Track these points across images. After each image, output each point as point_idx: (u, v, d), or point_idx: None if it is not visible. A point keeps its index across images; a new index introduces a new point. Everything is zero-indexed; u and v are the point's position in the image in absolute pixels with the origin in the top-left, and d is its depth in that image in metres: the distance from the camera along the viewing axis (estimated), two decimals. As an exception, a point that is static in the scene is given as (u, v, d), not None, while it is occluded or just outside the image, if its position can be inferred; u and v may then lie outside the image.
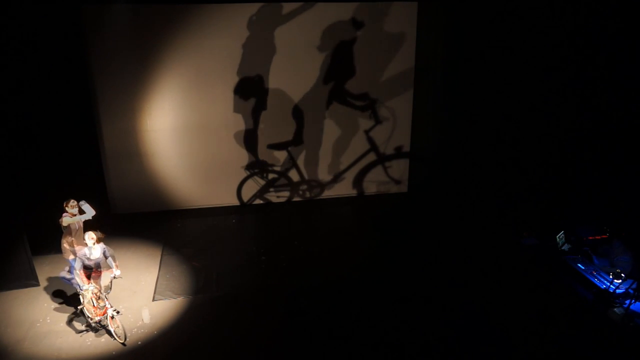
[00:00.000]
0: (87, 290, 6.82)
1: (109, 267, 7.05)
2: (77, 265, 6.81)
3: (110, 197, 10.37)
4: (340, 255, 9.06)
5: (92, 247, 6.81)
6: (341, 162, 11.18)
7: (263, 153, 10.78)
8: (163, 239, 9.52)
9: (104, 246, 6.98)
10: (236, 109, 10.31)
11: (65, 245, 7.27)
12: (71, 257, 7.24)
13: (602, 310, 7.08)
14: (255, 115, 10.44)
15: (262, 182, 11.04)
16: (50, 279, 8.11)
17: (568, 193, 9.01)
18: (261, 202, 11.19)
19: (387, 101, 10.79)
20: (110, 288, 7.14)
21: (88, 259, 6.81)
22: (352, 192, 11.53)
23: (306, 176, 11.17)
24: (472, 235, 9.46)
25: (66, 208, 7.14)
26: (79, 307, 7.09)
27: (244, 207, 11.05)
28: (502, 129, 9.63)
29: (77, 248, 7.12)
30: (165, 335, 7.00)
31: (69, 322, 7.23)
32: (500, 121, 9.62)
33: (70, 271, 7.28)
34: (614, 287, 7.20)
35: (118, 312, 6.79)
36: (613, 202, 8.47)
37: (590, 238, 8.29)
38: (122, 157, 10.12)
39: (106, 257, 6.97)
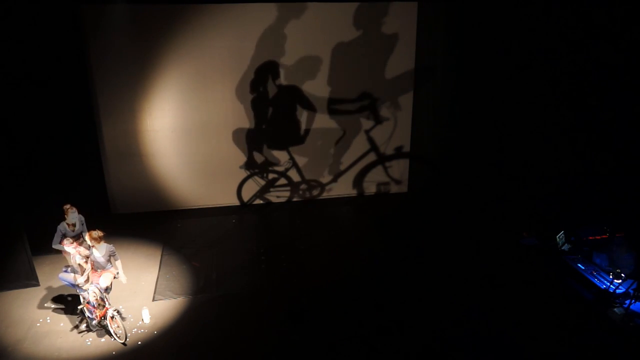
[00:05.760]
0: (87, 290, 6.81)
1: (109, 268, 7.06)
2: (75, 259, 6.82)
3: (110, 197, 10.37)
4: (340, 255, 9.06)
5: (95, 247, 6.83)
6: (341, 162, 11.19)
7: (263, 153, 10.78)
8: (163, 239, 9.51)
9: (110, 246, 7.00)
10: (236, 109, 10.31)
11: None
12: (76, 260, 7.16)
13: (602, 310, 7.08)
14: (255, 115, 10.44)
15: (262, 182, 11.04)
16: (50, 279, 8.10)
17: (568, 193, 9.02)
18: (261, 202, 11.19)
19: (387, 101, 10.79)
20: (111, 288, 7.14)
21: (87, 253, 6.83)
22: (352, 192, 11.53)
23: (306, 176, 11.17)
24: (472, 235, 9.46)
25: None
26: (79, 307, 7.09)
27: (244, 207, 11.05)
28: (502, 129, 9.64)
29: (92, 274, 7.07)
30: (165, 335, 7.00)
31: (69, 322, 7.23)
32: (500, 121, 9.63)
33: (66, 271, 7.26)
34: (614, 287, 7.20)
35: (119, 312, 6.79)
36: (613, 202, 8.47)
37: (590, 238, 8.29)
38: (122, 157, 10.12)
39: (116, 259, 7.06)
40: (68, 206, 7.30)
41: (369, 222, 10.44)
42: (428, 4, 10.12)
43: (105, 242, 6.96)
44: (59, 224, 7.27)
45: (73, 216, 7.30)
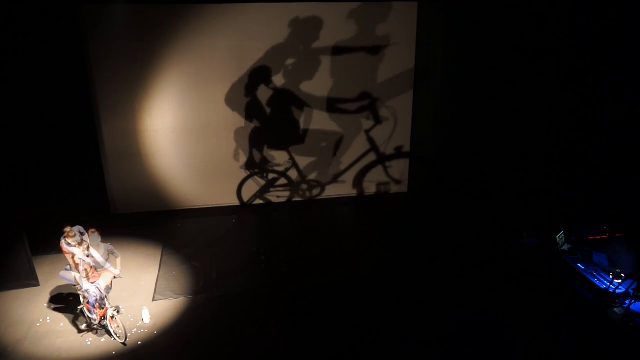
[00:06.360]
0: (88, 290, 6.81)
1: (108, 267, 7.06)
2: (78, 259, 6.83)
3: (110, 197, 10.37)
4: (340, 255, 9.05)
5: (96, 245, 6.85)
6: (341, 162, 11.18)
7: (263, 153, 10.78)
8: (163, 239, 9.51)
9: (108, 245, 7.01)
10: (236, 109, 10.31)
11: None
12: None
13: (602, 310, 7.08)
14: (255, 115, 10.44)
15: (262, 182, 11.04)
16: (50, 279, 8.10)
17: (568, 193, 9.02)
18: (261, 202, 11.19)
19: (387, 101, 10.79)
20: (111, 288, 7.14)
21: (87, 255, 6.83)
22: (352, 192, 11.53)
23: (306, 176, 11.17)
24: (472, 235, 9.45)
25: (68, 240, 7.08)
26: (79, 307, 7.09)
27: (244, 207, 11.05)
28: (502, 129, 9.63)
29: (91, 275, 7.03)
30: (165, 335, 7.00)
31: (69, 322, 7.23)
32: (500, 121, 9.62)
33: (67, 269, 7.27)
34: (614, 287, 7.20)
35: (118, 312, 6.79)
36: (613, 202, 8.47)
37: (590, 238, 8.30)
38: (122, 157, 10.12)
39: (116, 256, 7.10)
40: (68, 229, 7.11)
41: (369, 222, 10.44)
42: (428, 4, 10.12)
43: (103, 242, 6.98)
44: (60, 241, 7.20)
45: (75, 239, 7.20)
